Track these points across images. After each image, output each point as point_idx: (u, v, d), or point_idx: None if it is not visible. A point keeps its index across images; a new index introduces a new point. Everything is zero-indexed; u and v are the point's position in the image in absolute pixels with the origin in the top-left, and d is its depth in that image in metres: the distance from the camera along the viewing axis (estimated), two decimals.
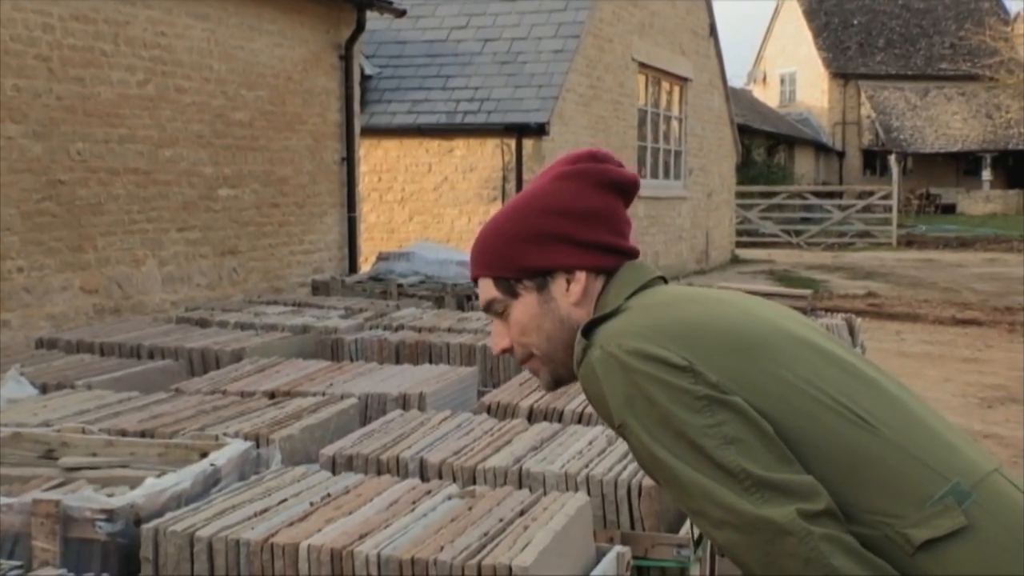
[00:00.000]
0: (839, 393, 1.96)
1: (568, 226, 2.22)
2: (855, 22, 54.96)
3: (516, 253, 2.23)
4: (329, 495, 4.13)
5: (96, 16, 9.51)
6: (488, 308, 2.30)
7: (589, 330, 2.08)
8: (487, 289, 2.29)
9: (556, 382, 2.30)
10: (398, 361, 7.63)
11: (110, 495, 3.92)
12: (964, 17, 54.38)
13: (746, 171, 36.41)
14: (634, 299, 2.15)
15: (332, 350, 7.89)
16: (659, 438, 1.94)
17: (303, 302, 10.36)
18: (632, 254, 2.27)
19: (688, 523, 4.68)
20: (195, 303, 10.47)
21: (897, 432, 1.93)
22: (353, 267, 13.61)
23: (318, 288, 11.95)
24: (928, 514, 1.86)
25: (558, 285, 2.23)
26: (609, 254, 2.24)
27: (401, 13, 14.65)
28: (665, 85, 22.39)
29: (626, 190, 2.31)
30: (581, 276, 2.22)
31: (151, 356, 7.53)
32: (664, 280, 2.26)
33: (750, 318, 2.08)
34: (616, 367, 1.99)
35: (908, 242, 34.08)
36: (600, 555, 4.09)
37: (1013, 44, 49.17)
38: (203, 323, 8.83)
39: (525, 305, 2.24)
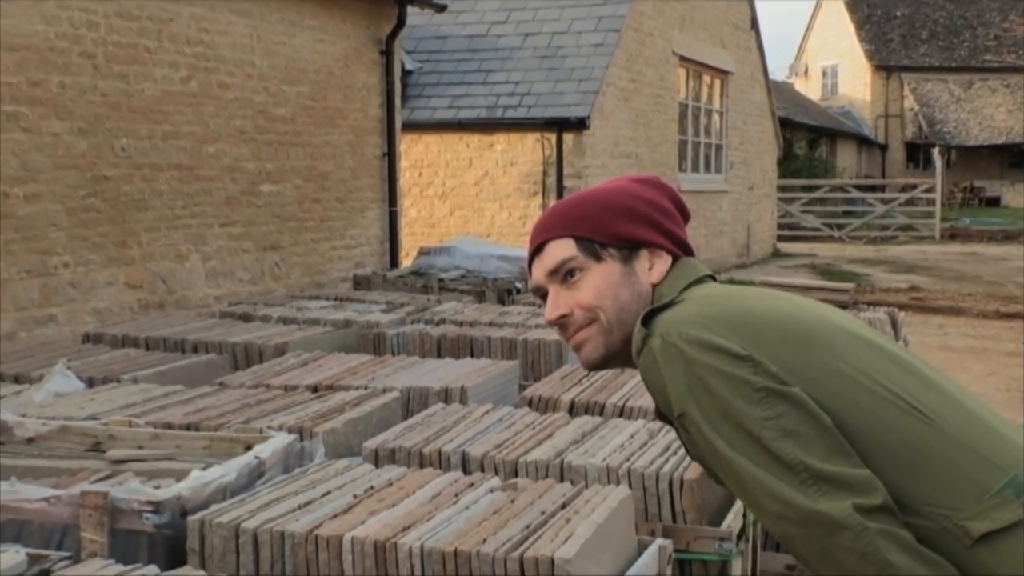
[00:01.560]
0: (895, 386, 1.97)
1: (655, 213, 2.27)
2: (898, 14, 54.61)
3: (609, 220, 2.24)
4: (372, 488, 4.17)
5: (140, 13, 9.59)
6: (556, 271, 2.26)
7: (647, 319, 2.09)
8: (565, 249, 2.25)
9: (605, 357, 2.27)
10: (439, 355, 7.67)
11: (156, 487, 3.96)
12: (1009, 8, 53.95)
13: (788, 164, 36.28)
14: (689, 291, 2.17)
15: (374, 344, 7.93)
16: (718, 429, 1.95)
17: (345, 297, 10.42)
18: (691, 252, 2.30)
19: (730, 517, 4.70)
20: (238, 298, 10.55)
21: (954, 425, 1.94)
22: (394, 262, 13.66)
23: (359, 283, 12.00)
24: (987, 506, 1.86)
25: (641, 261, 2.24)
26: (678, 247, 2.27)
27: (442, 8, 14.69)
28: (706, 78, 22.34)
29: (684, 213, 2.35)
30: (666, 257, 2.25)
31: (195, 350, 7.60)
32: (713, 278, 2.27)
33: (805, 312, 2.09)
34: (677, 356, 1.99)
35: (951, 235, 33.86)
36: (642, 548, 4.11)
37: None
38: (246, 318, 8.90)
39: (606, 271, 2.23)
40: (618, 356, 2.26)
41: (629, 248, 2.24)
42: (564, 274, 2.26)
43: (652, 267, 2.24)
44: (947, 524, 1.85)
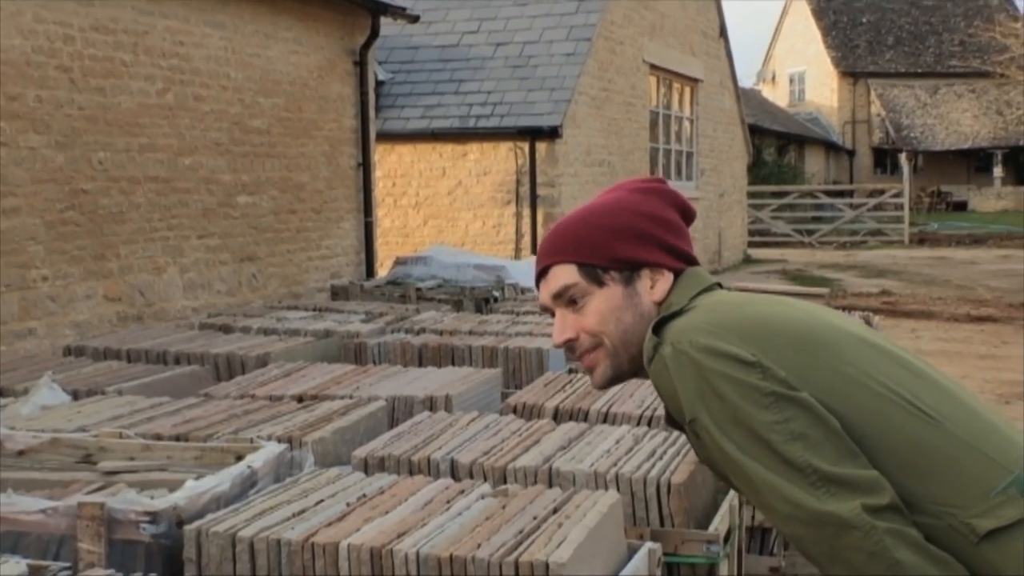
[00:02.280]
0: (901, 388, 2.03)
1: (656, 229, 2.30)
2: (864, 20, 54.94)
3: (609, 243, 2.28)
4: (365, 496, 4.21)
5: (115, 26, 9.60)
6: (560, 295, 2.31)
7: (658, 328, 2.14)
8: (567, 275, 2.30)
9: (613, 378, 2.33)
10: (421, 364, 7.72)
11: (151, 498, 4.00)
12: (973, 14, 54.32)
13: (757, 171, 36.45)
14: (698, 300, 2.22)
15: (355, 354, 7.97)
16: (729, 433, 2.00)
17: (323, 307, 10.44)
18: (695, 263, 2.34)
19: (717, 520, 4.76)
20: (216, 309, 10.56)
21: (958, 425, 2.00)
22: (370, 272, 13.70)
23: (337, 293, 12.03)
24: (992, 504, 1.91)
25: (643, 281, 2.29)
26: (681, 260, 2.31)
27: (415, 19, 14.75)
28: (676, 86, 22.45)
29: (688, 216, 2.39)
30: (668, 275, 2.29)
31: (177, 362, 7.62)
32: (720, 285, 2.32)
33: (811, 317, 2.15)
34: (687, 363, 2.05)
35: (920, 240, 34.10)
36: (632, 552, 4.16)
37: (1023, 40, 49.13)
38: (226, 329, 8.92)
39: (609, 296, 2.28)
40: (625, 374, 2.33)
41: (630, 270, 2.29)
42: (568, 299, 2.31)
43: (654, 286, 2.29)
44: (953, 522, 1.91)
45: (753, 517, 5.76)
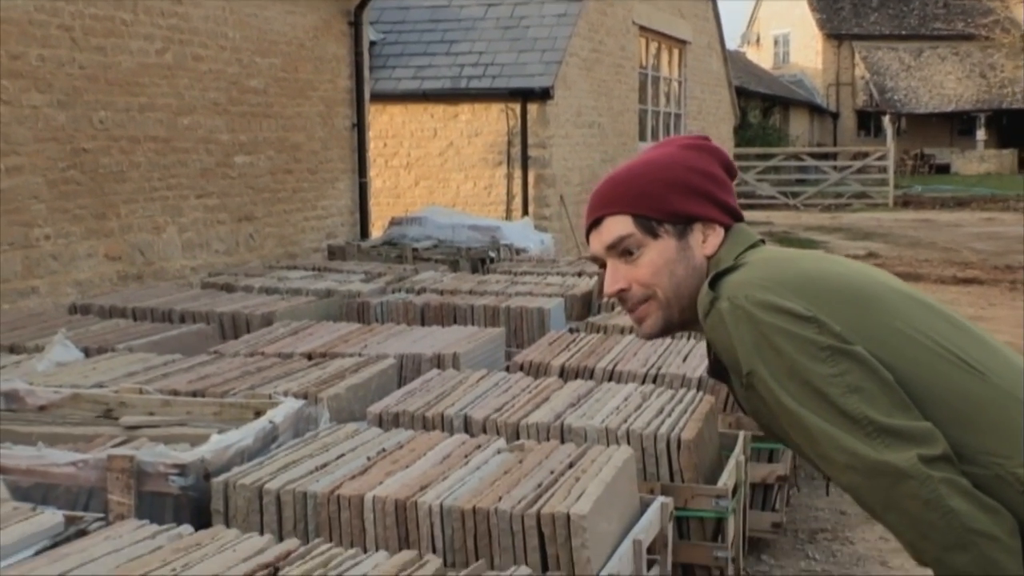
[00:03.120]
0: (948, 342, 2.09)
1: (709, 185, 2.34)
2: None
3: (665, 196, 2.31)
4: (384, 450, 4.30)
5: None
6: (614, 246, 2.33)
7: (714, 282, 2.19)
8: (621, 226, 2.32)
9: (664, 329, 2.36)
10: (424, 323, 7.80)
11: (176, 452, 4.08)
12: None
13: (742, 133, 36.46)
14: (747, 255, 2.27)
15: (358, 313, 8.05)
16: (786, 387, 2.06)
17: (322, 267, 10.52)
18: (741, 219, 2.40)
19: (724, 475, 4.85)
20: (214, 269, 10.61)
21: (1003, 378, 2.07)
22: (365, 232, 13.73)
23: (334, 253, 12.09)
24: None
25: (695, 235, 2.32)
26: (729, 216, 2.36)
27: None
28: (665, 48, 22.45)
29: (732, 172, 2.43)
30: (720, 230, 2.33)
31: (183, 320, 7.69)
32: (763, 242, 2.37)
33: (859, 274, 2.21)
34: (744, 318, 2.10)
35: (904, 202, 34.19)
36: (644, 505, 4.26)
37: (1007, 3, 49.17)
38: (228, 288, 8.99)
39: (663, 248, 2.30)
40: (674, 326, 2.37)
41: (684, 223, 2.32)
42: (622, 250, 2.33)
43: (706, 240, 2.32)
44: (1001, 472, 1.98)
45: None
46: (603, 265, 2.39)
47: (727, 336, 2.14)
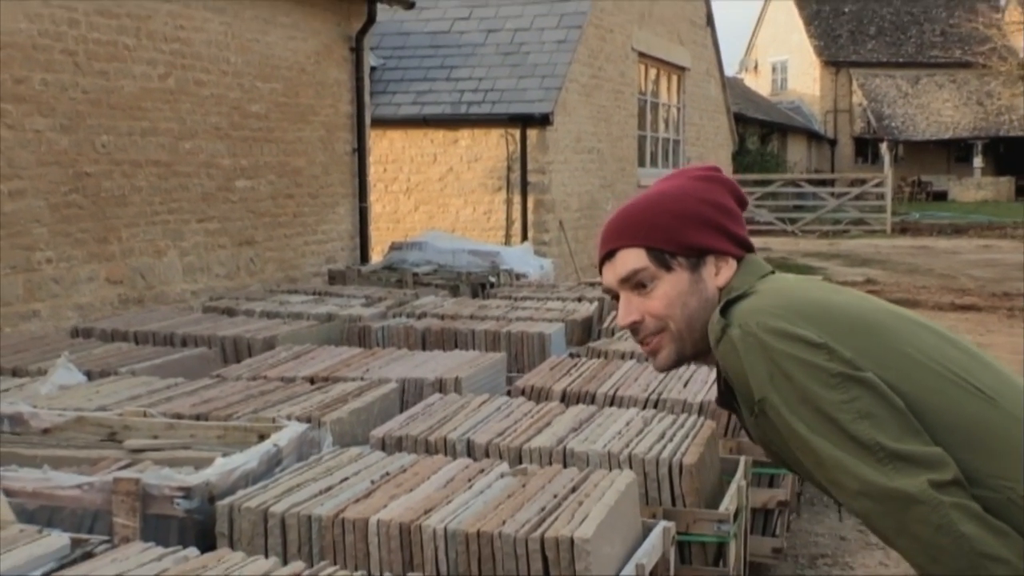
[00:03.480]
0: (958, 368, 2.12)
1: (721, 217, 2.37)
2: (846, 10, 55.07)
3: (678, 229, 2.34)
4: (388, 474, 4.31)
5: (119, 10, 9.65)
6: (628, 279, 2.36)
7: (725, 310, 2.22)
8: (636, 259, 2.35)
9: (677, 361, 2.39)
10: (424, 347, 7.82)
11: (182, 475, 4.09)
12: (955, 4, 54.47)
13: (740, 159, 36.54)
14: (759, 284, 2.30)
15: (360, 337, 8.07)
16: (798, 413, 2.08)
17: (323, 291, 10.55)
18: (752, 250, 2.43)
19: (726, 500, 4.86)
20: (215, 293, 10.64)
21: (1012, 403, 2.10)
22: (365, 257, 13.76)
23: (334, 277, 12.12)
24: None
25: (708, 268, 2.35)
26: (741, 247, 2.39)
27: (410, 5, 14.79)
28: (664, 74, 22.54)
29: (743, 203, 2.47)
30: (732, 262, 2.37)
31: (184, 344, 7.71)
32: (774, 272, 2.40)
33: (867, 302, 2.25)
34: (756, 345, 2.13)
35: (902, 229, 34.26)
36: (646, 530, 4.27)
37: (1004, 31, 49.36)
38: (230, 312, 9.02)
39: (676, 280, 2.33)
40: (687, 358, 2.39)
41: (697, 256, 2.35)
42: (636, 283, 2.36)
43: (718, 272, 2.36)
44: (1011, 495, 2.01)
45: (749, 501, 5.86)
46: (616, 297, 2.42)
47: (739, 363, 2.17)
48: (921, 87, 51.95)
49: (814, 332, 2.10)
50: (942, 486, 1.97)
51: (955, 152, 52.57)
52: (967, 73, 50.45)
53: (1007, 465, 2.03)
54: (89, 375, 6.32)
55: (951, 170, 52.14)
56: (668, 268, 2.34)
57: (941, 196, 49.48)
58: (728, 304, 2.23)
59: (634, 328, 2.38)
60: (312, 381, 6.24)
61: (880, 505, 2.02)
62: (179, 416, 5.19)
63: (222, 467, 4.10)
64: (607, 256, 2.41)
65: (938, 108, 50.98)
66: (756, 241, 2.48)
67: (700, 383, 6.24)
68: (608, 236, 2.41)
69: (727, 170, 27.20)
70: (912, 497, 1.97)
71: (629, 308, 2.37)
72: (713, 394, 5.97)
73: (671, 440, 5.04)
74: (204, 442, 4.74)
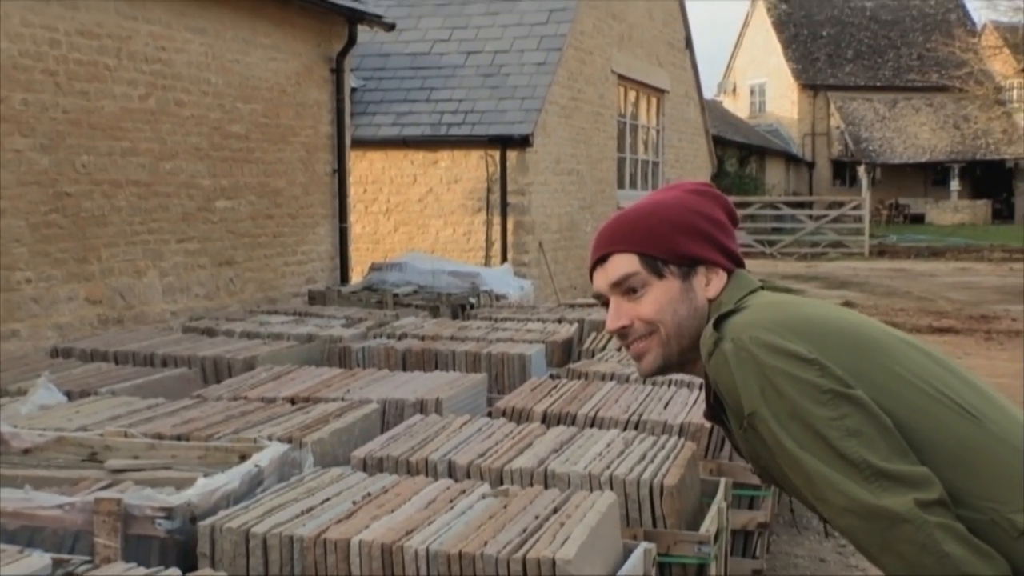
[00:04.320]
0: (947, 388, 2.14)
1: (713, 230, 2.40)
2: (824, 33, 55.32)
3: (671, 237, 2.37)
4: (369, 495, 4.32)
5: (100, 31, 9.65)
6: (619, 283, 2.38)
7: (717, 324, 2.24)
8: (628, 264, 2.37)
9: (663, 367, 2.41)
10: (405, 368, 7.83)
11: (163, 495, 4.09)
12: (932, 28, 54.81)
13: (719, 181, 36.64)
14: (750, 299, 2.32)
15: (340, 358, 8.08)
16: (787, 428, 2.10)
17: (303, 311, 10.55)
18: (743, 265, 2.46)
19: (707, 521, 4.88)
20: (194, 313, 10.63)
21: (999, 425, 2.12)
22: (345, 277, 13.75)
23: (314, 298, 12.12)
24: None
25: (699, 278, 2.37)
26: (732, 261, 2.42)
27: (391, 27, 14.81)
28: (643, 97, 22.61)
29: (734, 219, 2.50)
30: (722, 274, 2.39)
31: (165, 364, 7.70)
32: (763, 288, 2.43)
33: (860, 320, 2.27)
34: (749, 359, 2.14)
35: (880, 252, 34.40)
36: (627, 551, 4.28)
37: (981, 55, 49.65)
38: (210, 332, 9.02)
39: (667, 288, 2.36)
40: (673, 366, 2.42)
41: (688, 265, 2.38)
42: (627, 288, 2.39)
43: (709, 283, 2.38)
44: (996, 516, 2.02)
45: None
46: (606, 303, 2.44)
47: (730, 377, 2.18)
48: (898, 110, 52.22)
49: (806, 348, 2.11)
50: (927, 505, 1.99)
51: (932, 175, 52.83)
52: (944, 97, 50.74)
53: (992, 486, 2.05)
54: (69, 395, 6.32)
55: (928, 193, 52.39)
56: (660, 275, 2.36)
57: (918, 219, 49.70)
58: (721, 318, 2.25)
59: (622, 332, 2.40)
60: (293, 402, 6.24)
61: (866, 522, 2.03)
62: (160, 436, 5.19)
63: (204, 487, 4.10)
64: (599, 261, 2.43)
65: (915, 131, 51.25)
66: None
67: (680, 404, 6.26)
68: (602, 241, 2.44)
69: None
70: (898, 516, 1.99)
71: (619, 312, 2.40)
72: (694, 415, 6.02)
73: (652, 461, 5.05)
74: (185, 462, 4.74)
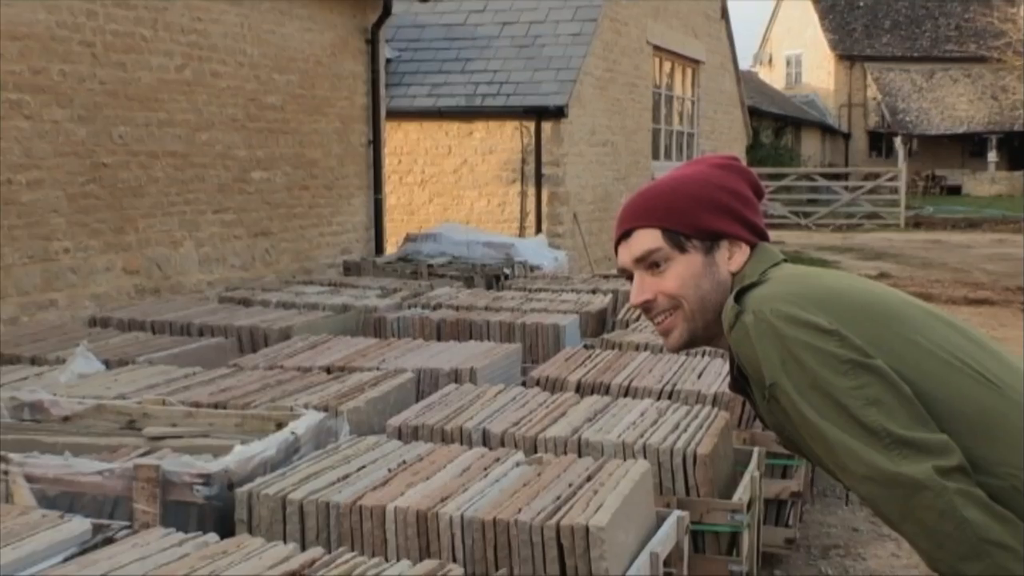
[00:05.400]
0: (966, 356, 2.16)
1: (737, 204, 2.42)
2: (861, 4, 54.91)
3: (695, 213, 2.38)
4: (404, 462, 4.35)
5: (136, 2, 9.68)
6: (643, 258, 2.40)
7: (739, 296, 2.26)
8: (651, 239, 2.39)
9: (689, 341, 2.43)
10: (440, 338, 7.85)
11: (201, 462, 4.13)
12: None
13: (754, 153, 36.46)
14: (770, 272, 2.34)
15: (375, 328, 8.11)
16: (808, 398, 2.12)
17: (338, 282, 10.59)
18: (766, 236, 2.47)
19: (740, 490, 4.89)
20: (230, 283, 10.68)
21: (1018, 392, 2.13)
22: (380, 248, 13.79)
23: (349, 268, 12.16)
24: None
25: (722, 252, 2.39)
26: (755, 235, 2.43)
27: None
28: (678, 68, 22.53)
29: (759, 193, 2.51)
30: (745, 248, 2.41)
31: (201, 334, 7.75)
32: (786, 261, 2.44)
33: (880, 290, 2.29)
34: (769, 331, 2.17)
35: (916, 223, 34.21)
36: (660, 519, 4.30)
37: (1019, 25, 49.17)
38: (246, 302, 9.07)
39: (690, 262, 2.38)
40: (699, 339, 2.44)
41: (711, 240, 2.39)
42: (650, 263, 2.41)
43: (732, 257, 2.40)
44: (1016, 483, 2.04)
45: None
46: (630, 277, 2.46)
47: (751, 349, 2.21)
48: (936, 81, 51.82)
49: (826, 319, 2.13)
50: (947, 472, 2.00)
51: (969, 147, 52.40)
52: (982, 67, 50.28)
53: (1012, 453, 2.06)
54: (107, 364, 6.37)
55: (965, 164, 52.00)
56: (683, 250, 2.39)
57: (955, 190, 49.37)
58: (742, 291, 2.27)
59: (646, 307, 2.43)
60: (328, 371, 6.28)
61: (886, 490, 2.05)
62: (197, 405, 5.23)
63: (241, 455, 4.15)
64: (623, 236, 2.46)
65: (952, 102, 50.85)
66: (770, 235, 2.52)
67: (714, 375, 6.27)
68: (625, 216, 2.46)
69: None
70: (917, 483, 2.01)
71: (643, 287, 2.42)
72: (727, 385, 6.02)
73: (685, 431, 5.07)
74: (222, 430, 4.78)
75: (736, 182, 2.45)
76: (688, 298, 2.38)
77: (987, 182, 49.58)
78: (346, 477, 4.14)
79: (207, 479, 3.95)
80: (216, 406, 5.25)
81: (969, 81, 51.63)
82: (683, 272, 2.38)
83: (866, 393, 2.07)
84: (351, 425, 5.06)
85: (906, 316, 2.21)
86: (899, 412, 2.06)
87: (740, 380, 2.35)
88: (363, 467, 4.27)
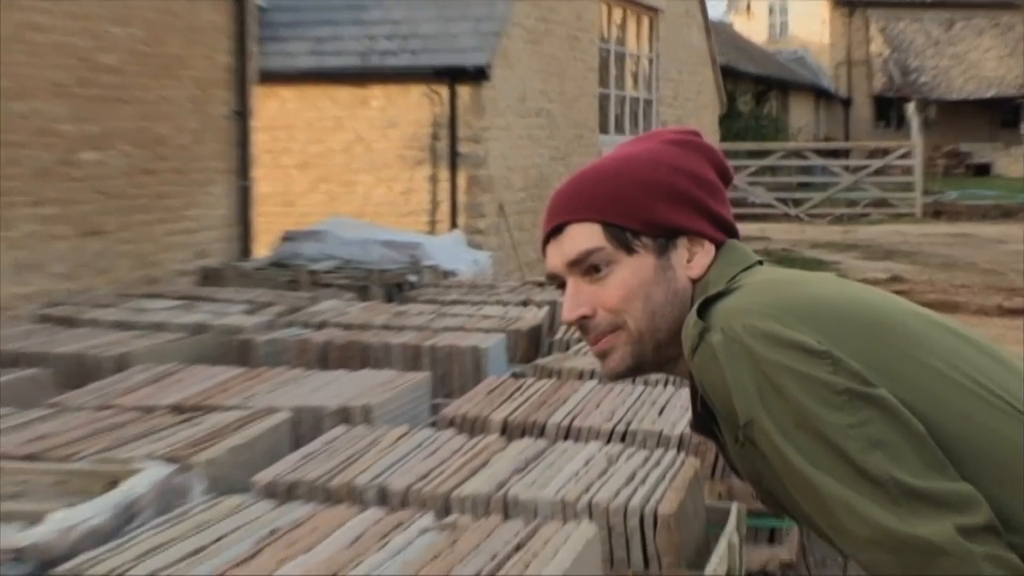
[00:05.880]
0: (991, 382, 2.11)
1: (698, 191, 2.37)
2: None
3: (645, 202, 2.34)
4: (277, 530, 4.27)
5: None
6: (578, 261, 2.34)
7: (703, 310, 2.19)
8: (590, 236, 2.34)
9: (633, 368, 2.38)
10: (325, 367, 7.79)
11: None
12: None
13: (730, 124, 36.73)
14: (743, 277, 2.29)
15: (239, 354, 8.05)
16: (793, 440, 2.06)
17: (192, 295, 10.52)
18: (736, 234, 2.42)
19: (715, 560, 4.86)
20: (51, 298, 10.53)
21: None
22: (247, 250, 13.68)
23: (208, 277, 12.08)
24: None
25: (680, 252, 2.35)
26: (722, 231, 2.39)
27: None
28: (632, 17, 22.62)
29: (726, 177, 2.47)
30: (709, 247, 2.36)
31: (15, 364, 7.63)
32: (762, 263, 2.40)
33: (878, 297, 2.25)
34: (742, 353, 2.10)
35: (935, 212, 34.57)
36: None
37: None
38: (71, 322, 8.98)
39: (638, 266, 2.32)
40: (647, 365, 2.39)
41: (666, 237, 2.35)
42: (588, 267, 2.35)
43: (692, 259, 2.35)
44: None
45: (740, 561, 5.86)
46: (562, 285, 2.40)
47: (720, 377, 2.14)
48: (956, 33, 52.48)
49: (814, 337, 2.07)
50: (972, 532, 1.95)
51: (999, 115, 53.09)
52: (1013, 15, 50.97)
53: None
54: None
55: (995, 137, 52.66)
56: (629, 250, 2.33)
57: (983, 170, 50.00)
58: (707, 303, 2.21)
59: (583, 324, 2.37)
60: (178, 411, 6.20)
61: (895, 556, 1.99)
62: (5, 457, 5.13)
63: (60, 523, 4.06)
64: (553, 232, 2.40)
65: (978, 59, 51.51)
66: (751, 228, 2.48)
67: (679, 410, 6.24)
68: (556, 207, 2.41)
69: (712, 137, 27.36)
70: (935, 547, 1.95)
71: (578, 298, 2.36)
72: (689, 424, 5.98)
73: (643, 483, 5.03)
74: (38, 490, 4.69)
75: (697, 162, 2.40)
76: (635, 313, 2.32)
77: (1022, 159, 50.18)
78: (200, 551, 4.06)
79: (18, 554, 3.85)
80: (29, 458, 5.15)
81: (997, 32, 52.33)
82: (629, 279, 2.32)
83: (867, 432, 2.01)
84: (207, 482, 4.98)
85: (915, 331, 2.16)
86: (910, 455, 2.00)
87: (705, 417, 2.29)
88: (222, 537, 4.19)
